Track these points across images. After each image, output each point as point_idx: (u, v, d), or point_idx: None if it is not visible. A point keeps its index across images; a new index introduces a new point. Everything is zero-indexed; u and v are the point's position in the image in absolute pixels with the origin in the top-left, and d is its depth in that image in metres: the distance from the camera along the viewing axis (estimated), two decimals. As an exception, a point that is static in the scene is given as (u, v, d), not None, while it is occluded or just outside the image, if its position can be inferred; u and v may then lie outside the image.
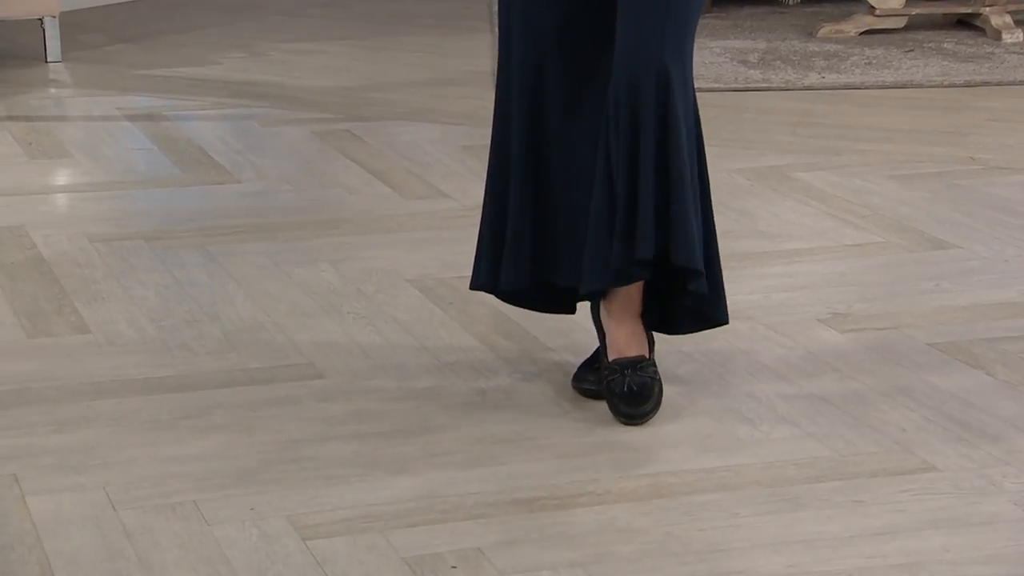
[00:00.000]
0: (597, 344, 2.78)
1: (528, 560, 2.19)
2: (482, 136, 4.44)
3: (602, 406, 2.63)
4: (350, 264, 3.41)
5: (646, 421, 2.58)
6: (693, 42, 2.60)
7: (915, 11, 5.80)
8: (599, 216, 2.56)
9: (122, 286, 3.27)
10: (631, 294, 2.63)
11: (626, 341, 2.64)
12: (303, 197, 3.91)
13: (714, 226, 2.63)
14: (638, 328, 2.65)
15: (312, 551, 2.21)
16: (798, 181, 3.99)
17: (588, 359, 2.76)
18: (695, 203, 2.55)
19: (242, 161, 4.23)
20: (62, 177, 4.15)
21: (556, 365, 2.84)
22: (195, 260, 3.43)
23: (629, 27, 2.52)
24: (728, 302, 3.05)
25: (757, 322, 3.05)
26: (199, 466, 2.47)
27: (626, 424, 2.58)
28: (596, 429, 2.59)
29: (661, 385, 2.64)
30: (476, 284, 2.75)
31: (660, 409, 2.65)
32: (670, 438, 2.57)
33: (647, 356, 2.64)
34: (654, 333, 2.71)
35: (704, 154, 2.64)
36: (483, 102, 4.88)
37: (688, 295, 2.60)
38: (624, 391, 2.58)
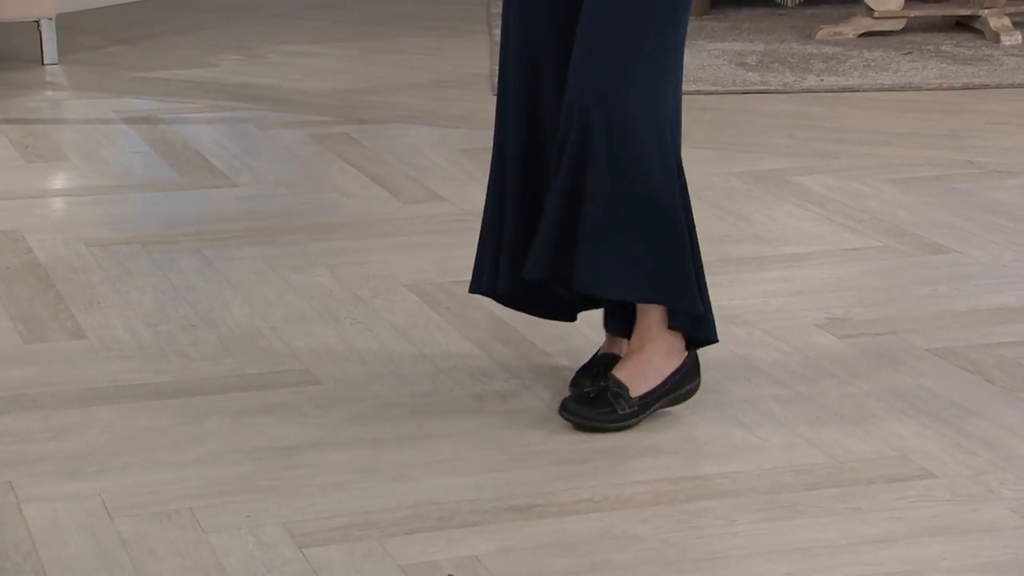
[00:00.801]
0: (595, 349, 2.78)
1: (525, 568, 2.18)
2: (480, 139, 4.45)
3: (599, 412, 2.63)
4: (347, 269, 3.40)
5: (575, 424, 2.56)
6: (657, 80, 2.50)
7: (914, 13, 5.80)
8: (511, 226, 2.63)
9: (118, 291, 3.27)
10: (642, 329, 2.62)
11: (624, 366, 2.62)
12: (300, 201, 3.91)
13: (684, 248, 2.58)
14: (646, 368, 2.60)
15: (308, 559, 2.21)
16: (796, 185, 3.99)
17: (586, 364, 2.76)
18: (637, 237, 2.53)
19: (239, 165, 4.23)
20: (59, 181, 4.14)
21: (554, 371, 2.84)
22: (192, 265, 3.42)
23: (574, 55, 2.53)
24: (726, 307, 3.06)
25: (755, 327, 3.05)
26: (195, 473, 2.46)
27: (560, 415, 2.58)
28: (593, 436, 2.58)
29: (618, 420, 2.57)
30: (475, 288, 2.74)
31: (655, 415, 2.63)
32: (667, 444, 2.56)
33: (633, 393, 2.59)
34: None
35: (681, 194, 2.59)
36: (482, 105, 4.88)
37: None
38: (584, 391, 2.60)
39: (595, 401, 2.58)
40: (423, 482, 2.43)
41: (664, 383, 2.61)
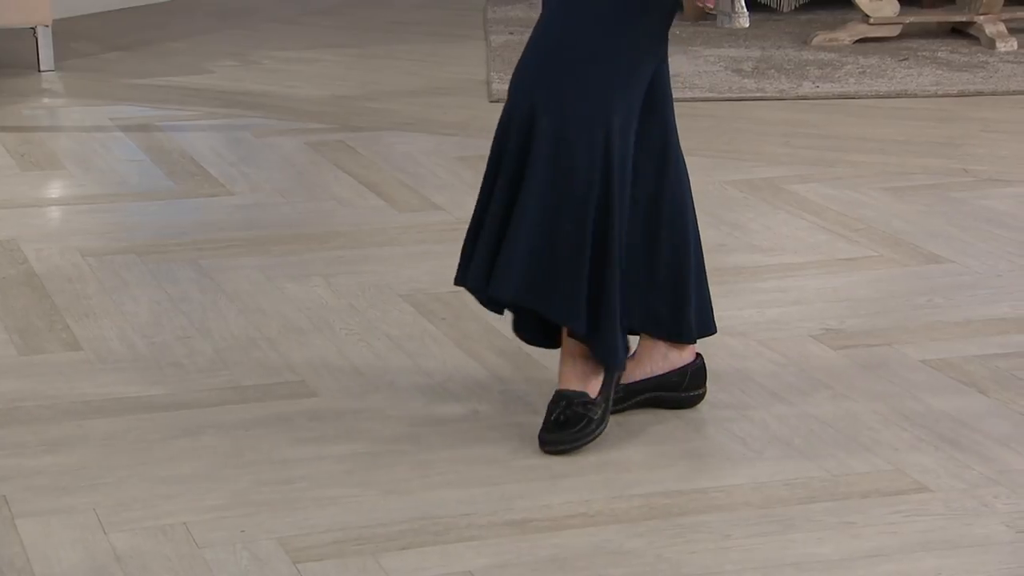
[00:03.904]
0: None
1: (519, 583, 2.18)
2: (476, 147, 4.45)
3: (594, 426, 2.63)
4: (343, 279, 3.40)
5: (561, 451, 2.55)
6: (605, 101, 2.48)
7: (909, 20, 5.80)
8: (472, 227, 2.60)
9: (114, 302, 3.27)
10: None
11: (567, 375, 2.62)
12: (296, 210, 3.91)
13: (613, 271, 2.55)
14: (587, 367, 2.62)
15: (303, 574, 2.21)
16: (792, 193, 3.99)
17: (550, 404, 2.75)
18: (540, 250, 2.51)
19: (235, 173, 4.23)
20: (55, 190, 4.15)
21: (549, 383, 2.83)
22: (187, 275, 3.42)
23: (522, 56, 2.53)
24: (721, 317, 3.05)
25: (750, 338, 3.05)
26: (190, 487, 2.46)
27: (544, 451, 2.55)
28: (588, 449, 2.58)
29: (597, 423, 2.58)
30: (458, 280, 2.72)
31: (651, 427, 2.64)
32: (662, 458, 2.56)
33: (590, 395, 2.60)
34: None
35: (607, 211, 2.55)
36: (478, 112, 4.88)
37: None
38: (552, 419, 2.57)
39: (567, 423, 2.57)
40: (418, 496, 2.43)
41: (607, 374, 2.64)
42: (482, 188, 2.61)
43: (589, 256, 2.53)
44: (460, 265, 2.63)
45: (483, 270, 2.55)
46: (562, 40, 2.52)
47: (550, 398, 2.64)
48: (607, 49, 2.50)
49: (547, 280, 2.53)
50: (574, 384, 2.61)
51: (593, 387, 2.62)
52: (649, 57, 2.54)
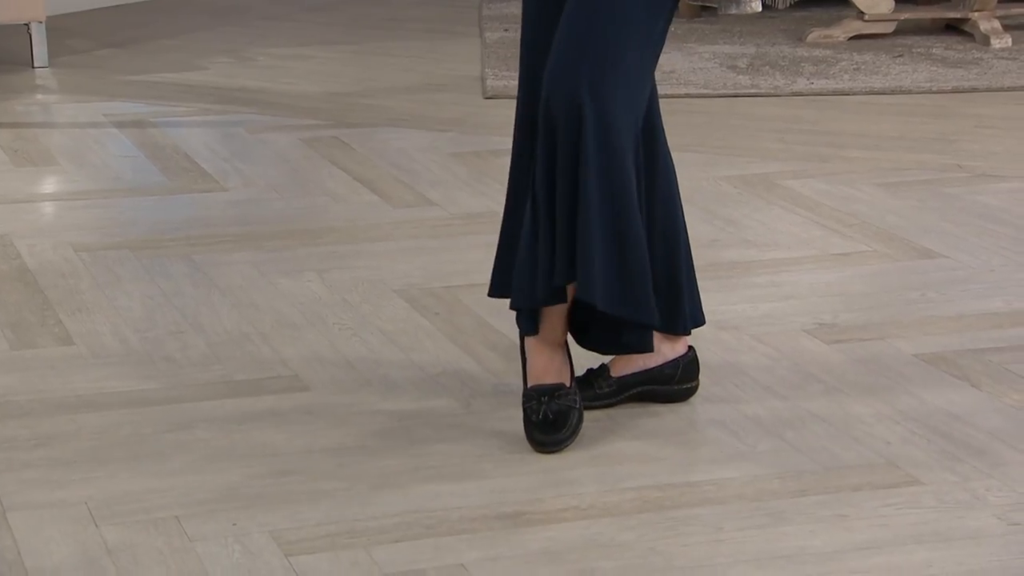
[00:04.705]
0: (583, 357, 2.77)
1: (511, 576, 2.18)
2: (471, 144, 4.45)
3: (587, 420, 2.62)
4: (336, 274, 3.40)
5: (561, 449, 2.55)
6: (638, 76, 2.50)
7: (904, 16, 5.80)
8: (525, 236, 2.56)
9: (107, 296, 3.26)
10: (552, 322, 2.62)
11: (544, 368, 2.62)
12: (290, 205, 3.91)
13: (645, 257, 2.56)
14: (557, 356, 2.62)
15: (295, 567, 2.21)
16: (786, 189, 3.99)
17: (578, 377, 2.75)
18: (609, 236, 2.51)
19: (229, 169, 4.23)
20: (48, 185, 4.14)
21: (541, 377, 2.83)
22: (181, 270, 3.42)
23: (555, 49, 2.52)
24: (715, 311, 3.06)
25: (743, 332, 3.05)
26: (181, 481, 2.46)
27: (540, 452, 2.54)
28: (580, 443, 2.58)
29: (581, 413, 2.59)
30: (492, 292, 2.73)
31: (643, 420, 2.64)
32: (654, 451, 2.56)
33: (566, 384, 2.61)
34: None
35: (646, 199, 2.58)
36: (473, 109, 4.88)
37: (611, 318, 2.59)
38: (539, 419, 2.56)
39: (556, 421, 2.55)
40: (410, 490, 2.43)
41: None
42: (535, 190, 2.55)
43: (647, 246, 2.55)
44: (531, 279, 2.57)
45: (565, 272, 2.52)
46: (596, 29, 2.50)
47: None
48: (639, 36, 2.50)
49: (626, 285, 2.53)
50: (551, 377, 2.61)
51: (567, 377, 2.62)
52: (661, 46, 2.56)
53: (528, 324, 2.63)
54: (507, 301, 2.67)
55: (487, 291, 2.73)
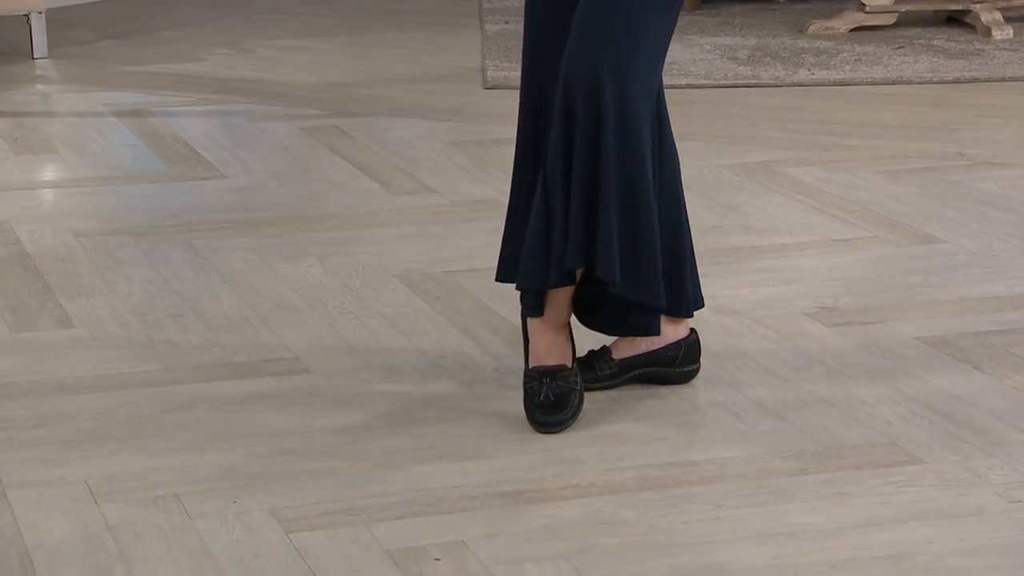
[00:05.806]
0: (582, 336, 2.77)
1: (512, 552, 2.18)
2: (471, 132, 4.44)
3: (588, 401, 2.62)
4: (336, 259, 3.39)
5: (562, 430, 2.54)
6: (654, 61, 2.51)
7: (905, 8, 5.79)
8: (535, 219, 2.55)
9: (106, 281, 3.26)
10: (557, 304, 2.61)
11: (546, 350, 2.61)
12: (290, 192, 3.90)
13: (656, 241, 2.56)
14: (560, 337, 2.62)
15: (295, 544, 2.20)
16: (787, 176, 3.98)
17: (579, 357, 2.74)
18: (624, 219, 2.52)
19: (229, 157, 4.22)
20: (48, 173, 4.14)
21: (542, 359, 2.83)
22: (180, 255, 3.42)
23: (575, 32, 2.51)
24: (716, 296, 3.05)
25: (744, 316, 3.04)
26: (181, 459, 2.45)
27: (542, 432, 2.54)
28: (581, 423, 2.57)
29: (582, 395, 2.59)
30: (501, 277, 2.73)
31: (645, 402, 2.64)
32: (655, 431, 2.55)
33: (568, 365, 2.61)
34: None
35: (656, 176, 2.58)
36: (472, 99, 4.88)
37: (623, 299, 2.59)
38: (541, 400, 2.55)
39: (558, 403, 2.55)
40: (411, 468, 2.42)
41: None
42: (546, 174, 2.55)
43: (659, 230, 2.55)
44: (542, 263, 2.57)
45: (581, 254, 2.52)
46: (616, 15, 2.49)
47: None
48: (656, 23, 2.50)
49: (639, 268, 2.53)
50: (554, 359, 2.60)
51: (570, 358, 2.61)
52: (674, 25, 2.56)
53: (533, 306, 2.62)
54: (509, 286, 2.67)
55: (494, 276, 2.73)
